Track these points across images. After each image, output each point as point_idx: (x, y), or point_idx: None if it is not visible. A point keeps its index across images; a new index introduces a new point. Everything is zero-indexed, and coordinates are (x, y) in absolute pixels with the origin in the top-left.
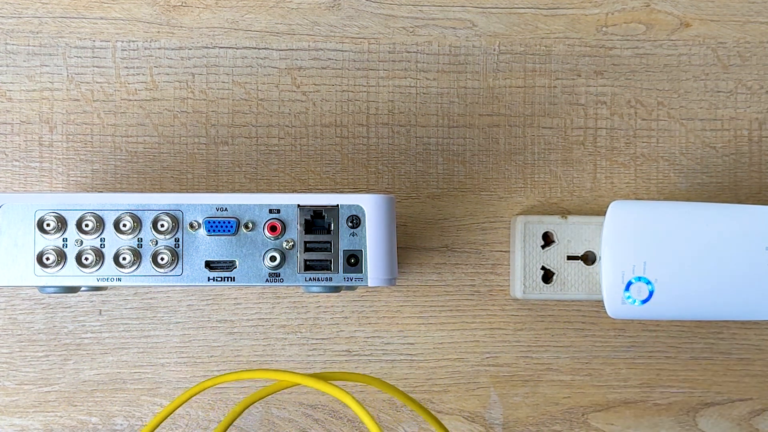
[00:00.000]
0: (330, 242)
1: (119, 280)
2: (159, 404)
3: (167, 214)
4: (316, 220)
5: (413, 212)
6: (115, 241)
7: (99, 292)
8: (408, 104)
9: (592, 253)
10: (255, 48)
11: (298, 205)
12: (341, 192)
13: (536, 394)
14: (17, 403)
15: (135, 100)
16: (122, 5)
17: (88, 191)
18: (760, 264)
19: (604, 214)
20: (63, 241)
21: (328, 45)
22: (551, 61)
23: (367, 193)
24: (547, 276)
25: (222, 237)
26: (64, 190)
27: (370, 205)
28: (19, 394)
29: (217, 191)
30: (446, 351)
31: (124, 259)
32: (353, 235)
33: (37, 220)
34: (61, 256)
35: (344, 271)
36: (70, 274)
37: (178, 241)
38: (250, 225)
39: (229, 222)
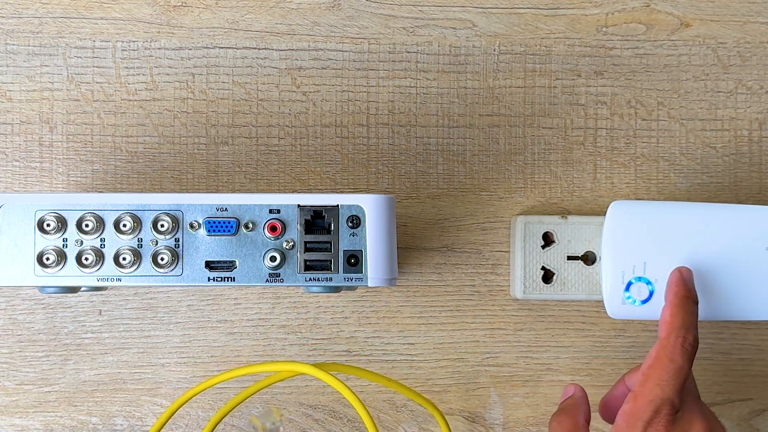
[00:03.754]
0: (330, 242)
1: (119, 280)
2: (159, 404)
3: (167, 214)
4: (316, 220)
5: (413, 212)
6: (115, 241)
7: (99, 292)
8: (408, 104)
9: (592, 253)
10: (255, 48)
11: (298, 205)
12: (341, 192)
13: (536, 394)
14: (17, 403)
15: (135, 100)
16: (122, 5)
17: (88, 191)
18: (760, 264)
19: (604, 214)
20: (63, 241)
21: (328, 45)
22: (551, 61)
23: (367, 193)
24: (547, 276)
25: (222, 237)
26: (64, 190)
27: (370, 205)
28: (19, 394)
29: (217, 191)
30: (446, 351)
31: (124, 259)
32: (353, 235)
33: (37, 220)
34: (61, 256)
35: (344, 271)
36: (70, 274)
37: (178, 241)
38: (250, 225)
39: (229, 222)
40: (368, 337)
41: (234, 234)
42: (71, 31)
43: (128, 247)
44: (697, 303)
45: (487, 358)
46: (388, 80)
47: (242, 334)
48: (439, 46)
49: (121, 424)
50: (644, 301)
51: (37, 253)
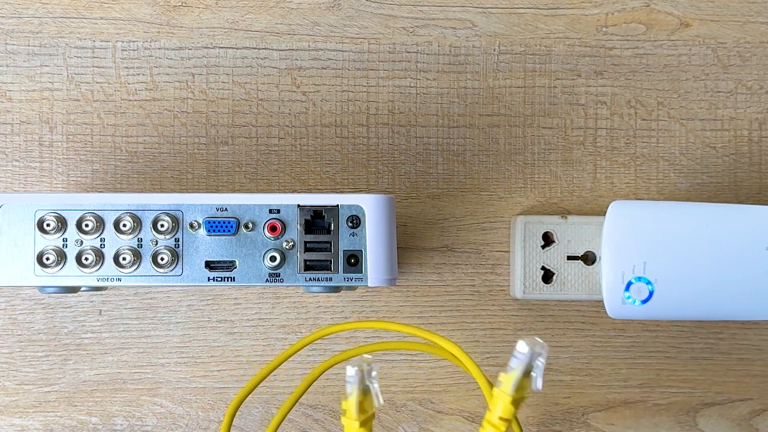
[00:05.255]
0: (330, 242)
1: (119, 280)
2: (159, 404)
3: (167, 214)
4: (316, 220)
5: (413, 212)
6: (115, 241)
7: (99, 292)
8: (408, 104)
9: (592, 253)
10: (255, 48)
11: (298, 205)
12: (341, 192)
13: (536, 394)
14: (17, 403)
15: (135, 100)
16: (122, 5)
17: (88, 191)
18: (760, 264)
19: (604, 214)
20: (63, 241)
21: (328, 45)
22: (551, 61)
23: (367, 193)
24: (547, 276)
25: (222, 237)
26: (64, 190)
27: (370, 205)
28: (19, 394)
29: (217, 191)
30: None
31: (124, 259)
32: (353, 235)
33: (37, 220)
34: (61, 256)
35: (344, 271)
36: (70, 274)
37: (178, 241)
38: (250, 225)
39: (229, 222)
40: (368, 337)
41: (234, 234)
42: (71, 31)
43: (128, 247)
44: None
45: (487, 358)
46: (388, 80)
47: (242, 334)
48: (439, 46)
49: (121, 424)
50: (644, 301)
51: (37, 253)
